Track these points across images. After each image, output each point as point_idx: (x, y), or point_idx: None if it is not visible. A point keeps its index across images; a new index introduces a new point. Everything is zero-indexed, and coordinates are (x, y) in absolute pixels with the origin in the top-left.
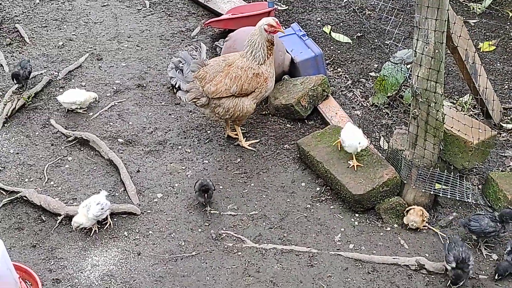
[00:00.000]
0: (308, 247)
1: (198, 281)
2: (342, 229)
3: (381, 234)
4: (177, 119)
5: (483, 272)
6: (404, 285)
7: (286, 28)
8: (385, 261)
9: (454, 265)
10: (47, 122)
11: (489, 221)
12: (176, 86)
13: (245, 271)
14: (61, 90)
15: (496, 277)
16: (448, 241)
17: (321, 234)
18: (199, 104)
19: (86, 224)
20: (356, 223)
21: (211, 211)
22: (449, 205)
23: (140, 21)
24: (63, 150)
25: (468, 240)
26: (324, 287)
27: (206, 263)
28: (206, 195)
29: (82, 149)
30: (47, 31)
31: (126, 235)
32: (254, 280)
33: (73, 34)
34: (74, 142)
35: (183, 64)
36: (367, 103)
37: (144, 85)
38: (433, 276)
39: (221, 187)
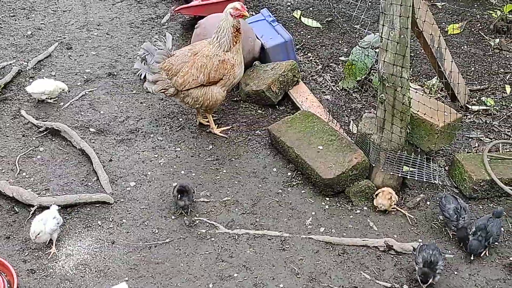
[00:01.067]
0: (280, 232)
1: (172, 267)
2: (313, 213)
3: (351, 217)
4: (149, 107)
5: (449, 252)
6: (373, 266)
7: (256, 14)
8: (355, 243)
9: (421, 265)
10: (18, 113)
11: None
12: (142, 77)
13: (218, 257)
14: (30, 80)
15: (472, 258)
16: (420, 243)
17: (292, 219)
18: (168, 95)
19: (43, 237)
20: (327, 206)
21: (191, 221)
22: (416, 187)
23: (110, 9)
24: (34, 141)
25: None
26: (296, 270)
27: (180, 249)
28: (187, 198)
29: (53, 139)
30: (15, 20)
31: (100, 224)
32: (227, 265)
33: (41, 23)
34: (45, 132)
35: (147, 55)
36: (337, 88)
37: (115, 73)
38: (401, 257)
39: (193, 174)
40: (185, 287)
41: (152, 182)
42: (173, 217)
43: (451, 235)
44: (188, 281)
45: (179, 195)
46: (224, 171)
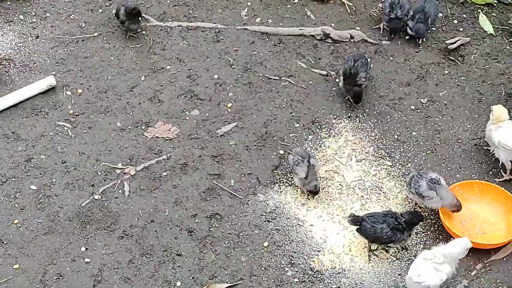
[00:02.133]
0: (214, 23)
1: (102, 61)
2: (249, 3)
3: (288, 6)
4: None
5: (386, 38)
6: (309, 54)
7: None
8: (292, 32)
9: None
10: None
11: None
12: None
13: (150, 50)
14: None
15: (420, 42)
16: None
17: (227, 9)
18: None
19: None
20: None
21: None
22: None
23: None
24: None
25: None
26: (230, 61)
27: (109, 43)
28: (139, 18)
29: None
30: None
31: (22, 18)
32: (159, 58)
33: None
34: None
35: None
36: None
37: None
38: (337, 45)
39: None
40: (116, 80)
41: None
42: (100, 10)
43: (382, 28)
44: (119, 74)
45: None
46: None
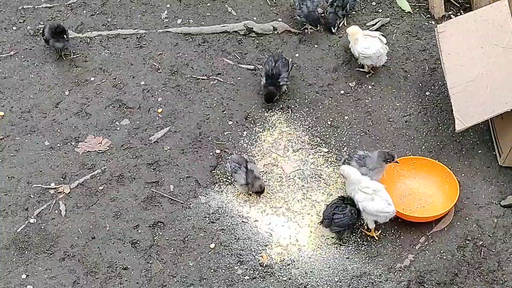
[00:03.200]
0: (135, 29)
1: (22, 80)
2: (168, 5)
3: (208, 5)
4: None
5: (309, 27)
6: (235, 51)
7: None
8: (215, 30)
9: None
10: None
11: None
12: None
13: (71, 63)
14: None
15: (334, 30)
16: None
17: (147, 14)
18: None
19: None
20: None
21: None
22: None
23: None
24: None
25: None
26: (156, 66)
27: (28, 61)
28: (65, 36)
29: None
30: None
31: None
32: (82, 70)
33: None
34: None
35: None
36: None
37: None
38: (262, 38)
39: None
40: (39, 97)
41: None
42: (14, 27)
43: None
44: (41, 91)
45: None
46: None
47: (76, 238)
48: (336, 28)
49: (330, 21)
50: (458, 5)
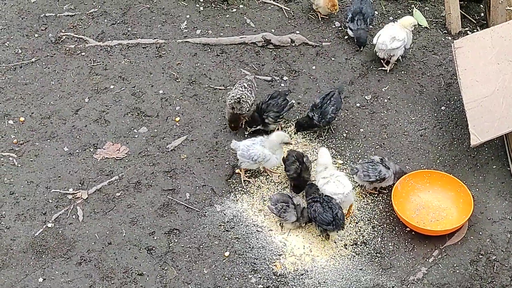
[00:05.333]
0: (155, 38)
1: (43, 87)
2: (188, 16)
3: (227, 16)
4: None
5: (326, 40)
6: (253, 62)
7: None
8: (233, 41)
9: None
10: None
11: None
12: None
13: (91, 71)
14: None
15: (361, 49)
16: None
17: (166, 24)
18: None
19: None
20: (202, 8)
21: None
22: None
23: None
24: None
25: None
26: (174, 75)
27: (49, 68)
28: None
29: None
30: None
31: None
32: (102, 78)
33: None
34: None
35: None
36: None
37: None
38: (279, 50)
39: None
40: (59, 104)
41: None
42: (36, 35)
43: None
44: (61, 98)
45: None
46: None
47: (93, 243)
48: (362, 48)
49: (361, 41)
50: (475, 22)
